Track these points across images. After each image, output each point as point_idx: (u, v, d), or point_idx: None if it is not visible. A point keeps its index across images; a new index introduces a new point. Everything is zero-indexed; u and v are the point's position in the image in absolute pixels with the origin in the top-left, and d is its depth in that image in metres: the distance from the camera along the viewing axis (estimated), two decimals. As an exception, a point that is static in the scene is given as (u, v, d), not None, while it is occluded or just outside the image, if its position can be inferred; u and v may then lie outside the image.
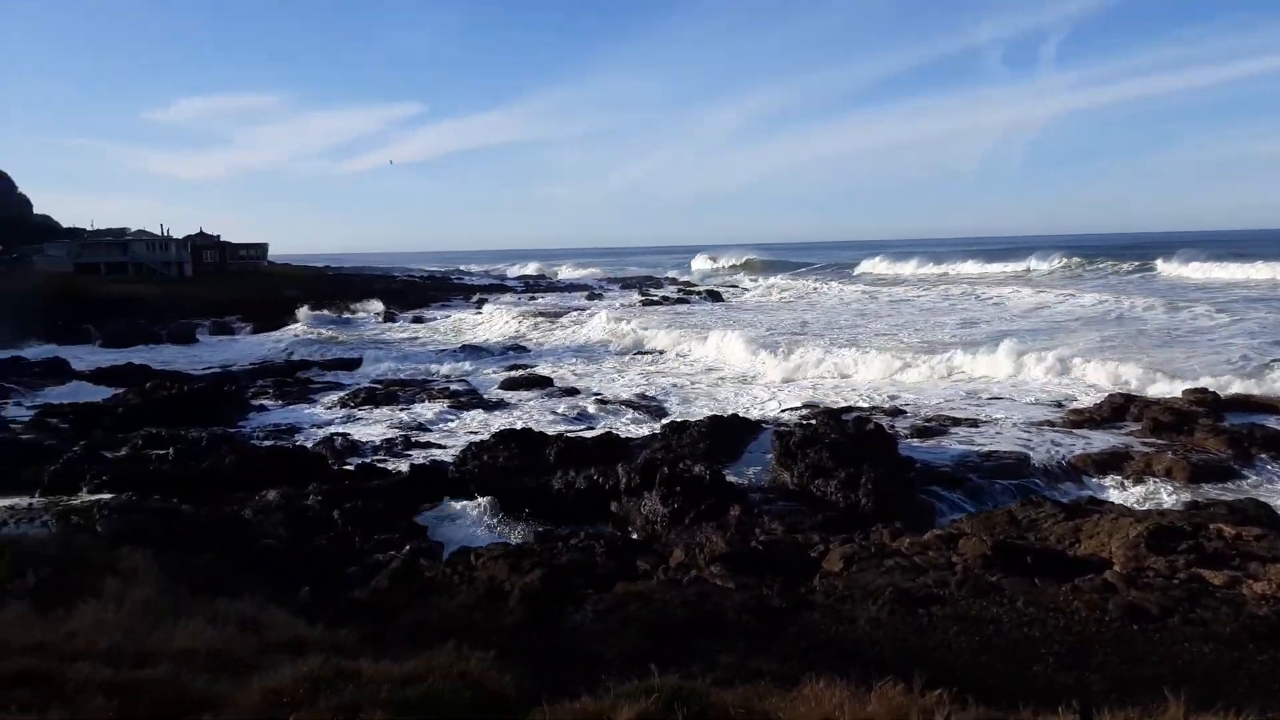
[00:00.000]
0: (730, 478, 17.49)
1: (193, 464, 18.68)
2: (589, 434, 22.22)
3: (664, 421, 23.15)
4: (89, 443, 21.22)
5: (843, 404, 25.29)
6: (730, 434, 20.96)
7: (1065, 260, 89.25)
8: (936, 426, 21.96)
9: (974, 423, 22.25)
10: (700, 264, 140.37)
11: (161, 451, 19.53)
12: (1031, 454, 18.97)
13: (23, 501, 16.85)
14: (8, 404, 29.08)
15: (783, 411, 25.01)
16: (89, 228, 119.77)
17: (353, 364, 38.88)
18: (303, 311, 61.70)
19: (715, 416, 22.08)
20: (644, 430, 22.98)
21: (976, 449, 19.64)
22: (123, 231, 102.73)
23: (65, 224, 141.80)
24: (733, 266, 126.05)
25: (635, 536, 14.48)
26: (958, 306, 55.98)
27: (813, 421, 21.51)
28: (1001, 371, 28.76)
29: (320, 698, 4.38)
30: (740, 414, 23.34)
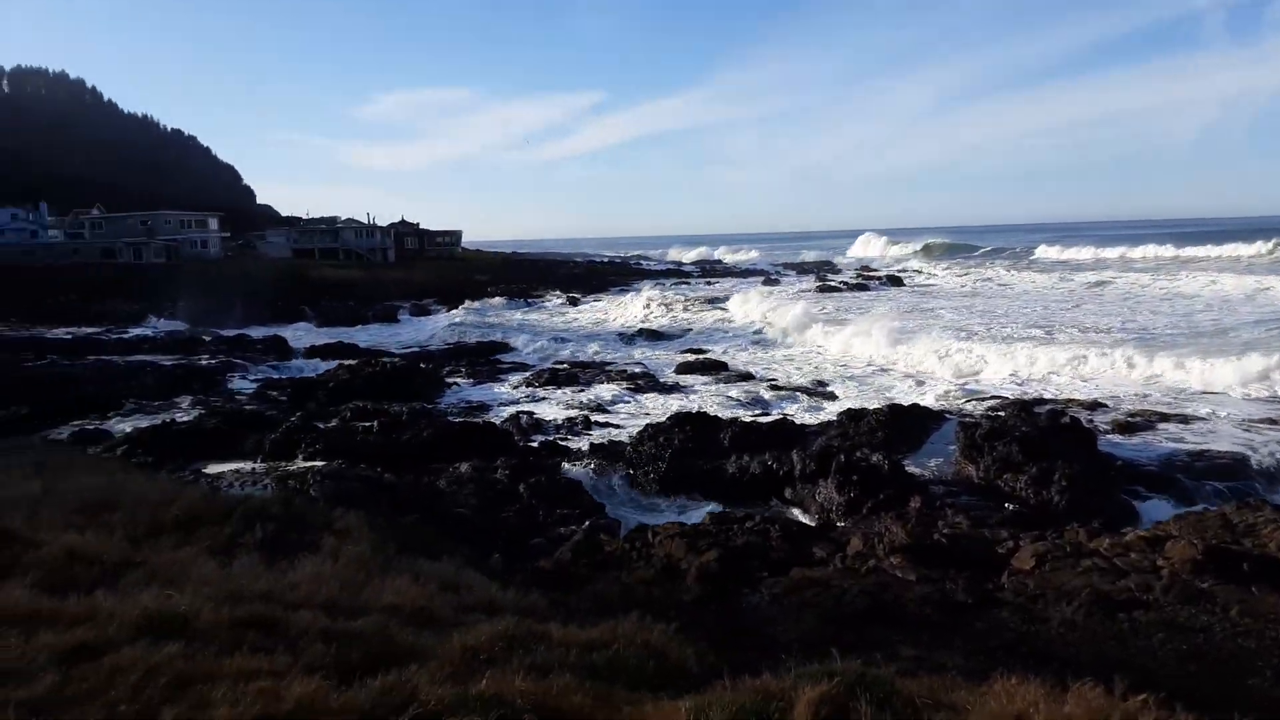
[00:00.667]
0: (910, 468, 17.00)
1: (394, 436, 20.04)
2: (763, 419, 22.15)
3: (840, 409, 22.68)
4: (304, 414, 23.23)
5: (1032, 396, 23.96)
6: (911, 423, 20.32)
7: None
8: (1141, 422, 20.41)
9: (1184, 419, 20.53)
10: (877, 248, 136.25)
11: (367, 424, 21.06)
12: (1252, 455, 17.30)
13: (246, 466, 18.70)
14: (234, 377, 32.20)
15: (967, 402, 23.97)
16: (305, 216, 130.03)
17: (531, 345, 40.51)
18: (496, 300, 64.79)
19: (895, 405, 21.45)
20: (819, 417, 22.64)
21: (1186, 448, 18.14)
22: (334, 220, 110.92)
23: (284, 213, 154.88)
24: (915, 252, 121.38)
25: (809, 523, 14.35)
26: (1147, 296, 51.35)
27: (1001, 413, 20.52)
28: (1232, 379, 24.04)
29: (514, 656, 4.65)
30: (920, 403, 22.58)
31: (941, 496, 15.27)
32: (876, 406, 21.37)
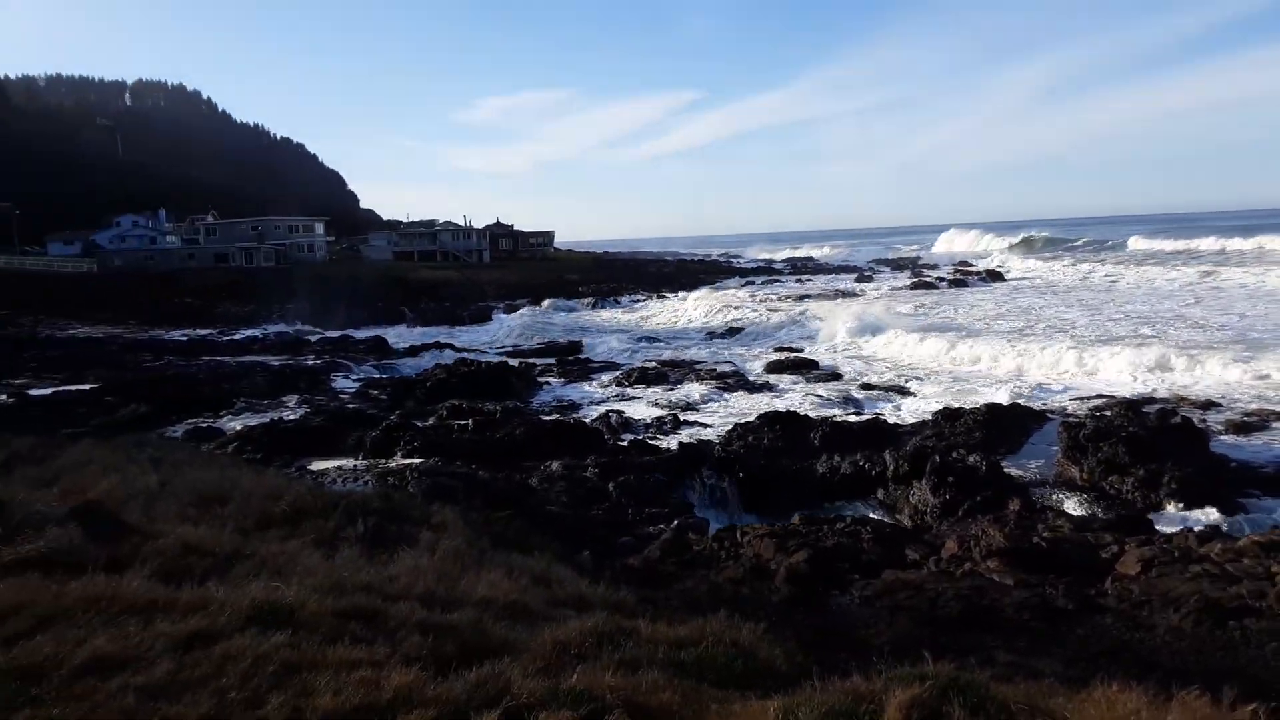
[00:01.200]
0: (1009, 470, 16.50)
1: (488, 434, 20.49)
2: (854, 419, 21.82)
3: (936, 407, 22.12)
4: (403, 412, 23.97)
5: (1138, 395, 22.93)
6: (1010, 424, 19.73)
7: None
8: (1258, 422, 19.33)
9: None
10: (965, 243, 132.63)
11: (462, 422, 21.58)
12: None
13: (348, 463, 19.38)
14: (337, 377, 33.39)
15: (1072, 401, 23.10)
16: (404, 219, 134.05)
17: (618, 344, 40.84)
18: (586, 298, 65.48)
19: (993, 404, 20.86)
20: (913, 416, 22.15)
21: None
22: (432, 223, 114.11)
23: (385, 216, 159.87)
24: (1012, 246, 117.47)
25: (904, 525, 14.07)
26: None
27: (1107, 413, 19.72)
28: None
29: (603, 651, 4.73)
30: (1022, 403, 21.88)
31: (1043, 499, 14.79)
32: (974, 406, 20.82)
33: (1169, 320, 37.68)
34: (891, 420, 21.54)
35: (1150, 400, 21.89)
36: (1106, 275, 66.75)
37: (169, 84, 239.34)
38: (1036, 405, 22.18)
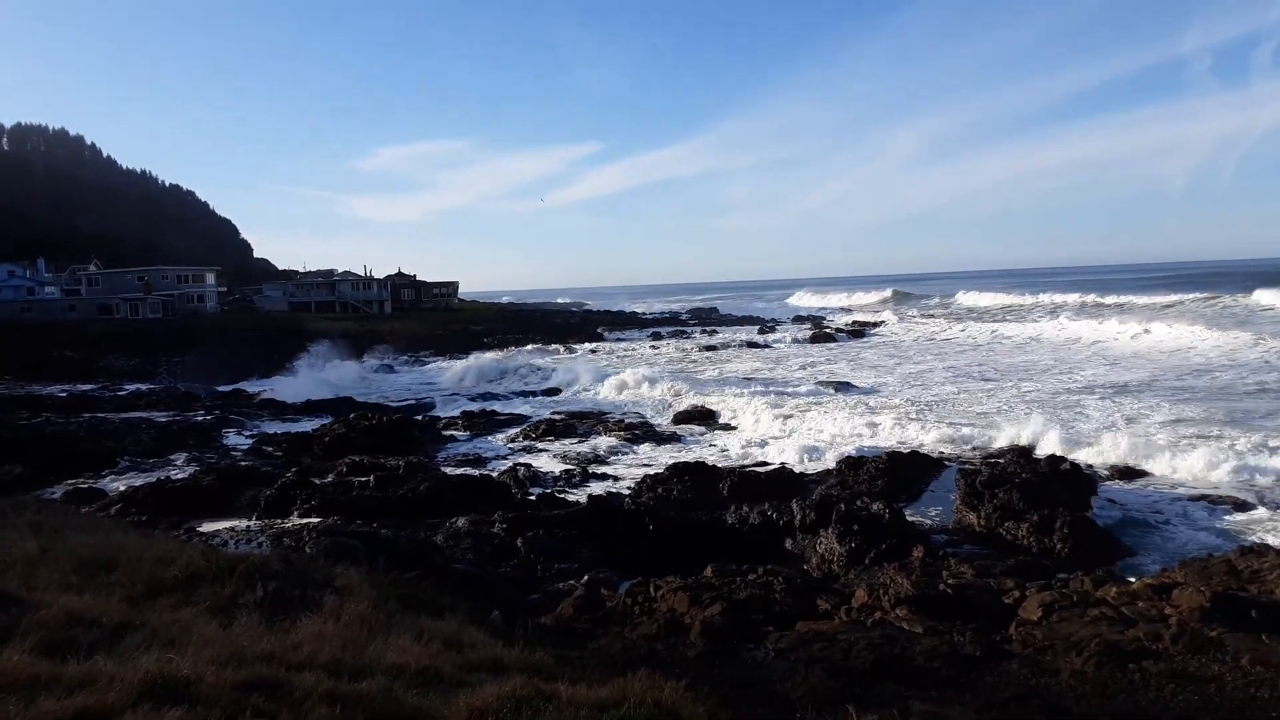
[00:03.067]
0: (911, 517, 16.93)
1: (391, 490, 19.93)
2: (762, 469, 22.09)
3: (837, 457, 22.59)
4: (299, 469, 23.12)
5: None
6: (909, 471, 20.30)
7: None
8: (1137, 468, 20.38)
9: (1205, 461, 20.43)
10: (855, 298, 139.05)
11: (363, 478, 20.95)
12: (1256, 498, 17.29)
13: (241, 523, 18.54)
14: (230, 433, 32.07)
15: (967, 450, 23.93)
16: (301, 269, 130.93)
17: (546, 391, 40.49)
18: (490, 351, 64.91)
19: (894, 452, 21.44)
20: (817, 466, 22.57)
21: (1186, 491, 18.13)
22: (330, 273, 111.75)
23: (281, 266, 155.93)
24: (882, 300, 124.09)
25: (812, 574, 14.22)
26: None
27: (1000, 460, 20.50)
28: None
29: (523, 717, 4.59)
30: (919, 450, 22.56)
31: (944, 545, 15.20)
32: (875, 454, 21.36)
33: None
34: (796, 469, 21.88)
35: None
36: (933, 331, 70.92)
37: (50, 128, 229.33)
38: (935, 453, 22.87)
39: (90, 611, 6.91)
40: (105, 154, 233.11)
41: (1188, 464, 19.77)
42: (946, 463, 21.59)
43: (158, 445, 28.11)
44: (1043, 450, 21.56)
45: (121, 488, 21.91)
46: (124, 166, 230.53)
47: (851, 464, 20.76)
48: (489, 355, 59.91)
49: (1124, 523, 16.43)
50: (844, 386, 38.03)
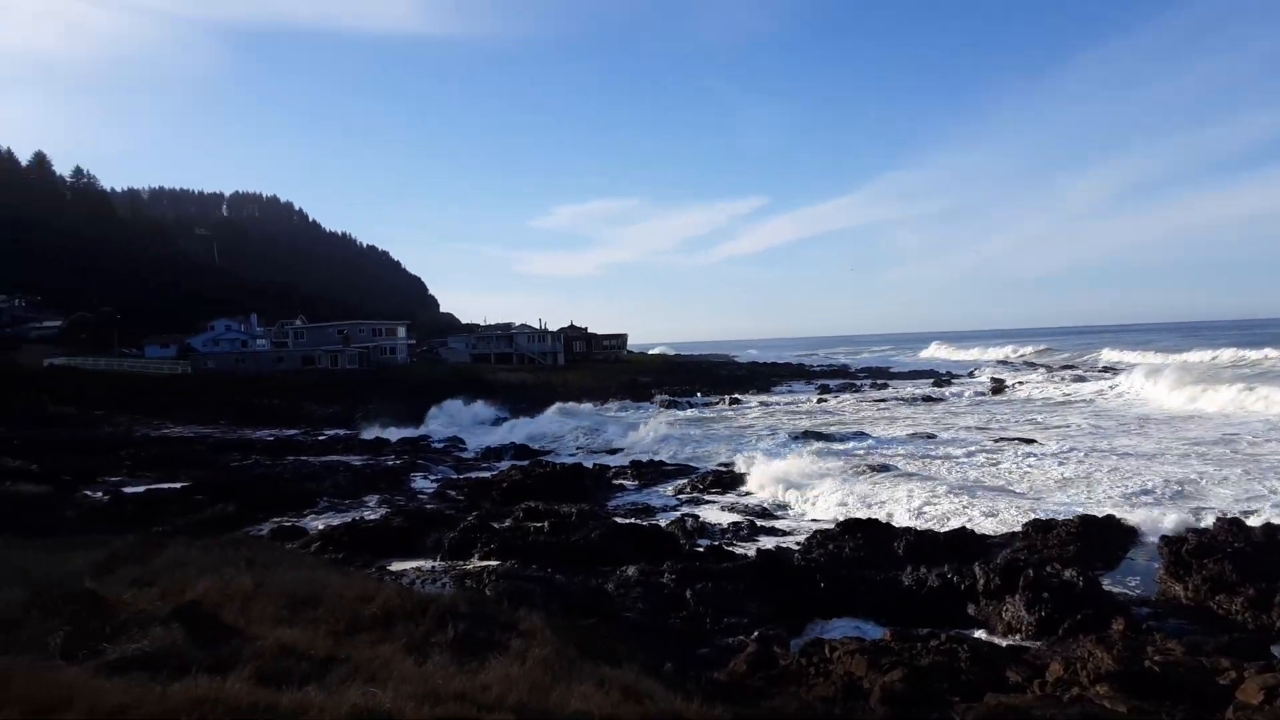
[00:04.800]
0: (1108, 586, 15.73)
1: (564, 536, 20.43)
2: (940, 528, 21.15)
3: (1027, 519, 21.31)
4: (479, 514, 24.11)
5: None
6: (1104, 536, 18.91)
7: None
8: None
9: None
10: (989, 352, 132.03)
11: (538, 524, 21.59)
12: None
13: (426, 564, 19.49)
14: (416, 477, 33.91)
15: (1164, 516, 22.01)
16: (482, 322, 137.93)
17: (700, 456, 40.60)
18: (658, 399, 65.79)
19: (1087, 516, 20.07)
20: (1001, 527, 21.37)
21: None
22: (508, 326, 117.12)
23: (464, 319, 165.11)
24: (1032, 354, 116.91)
25: (999, 643, 13.44)
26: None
27: (1208, 527, 18.76)
28: None
29: (704, 773, 4.61)
30: (1116, 515, 20.96)
31: (1146, 619, 14.02)
32: (1066, 518, 20.05)
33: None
34: (977, 530, 20.82)
35: (1253, 512, 20.74)
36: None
37: (263, 195, 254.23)
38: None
39: (300, 644, 7.49)
40: (311, 218, 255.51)
41: None
42: (1144, 529, 19.96)
43: (353, 487, 30.09)
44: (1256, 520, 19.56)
45: (320, 526, 23.53)
46: (327, 230, 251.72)
47: (1039, 526, 19.56)
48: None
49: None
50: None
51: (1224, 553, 15.16)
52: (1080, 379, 74.93)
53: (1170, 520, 20.78)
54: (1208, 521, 19.71)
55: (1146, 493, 24.62)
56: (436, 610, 8.34)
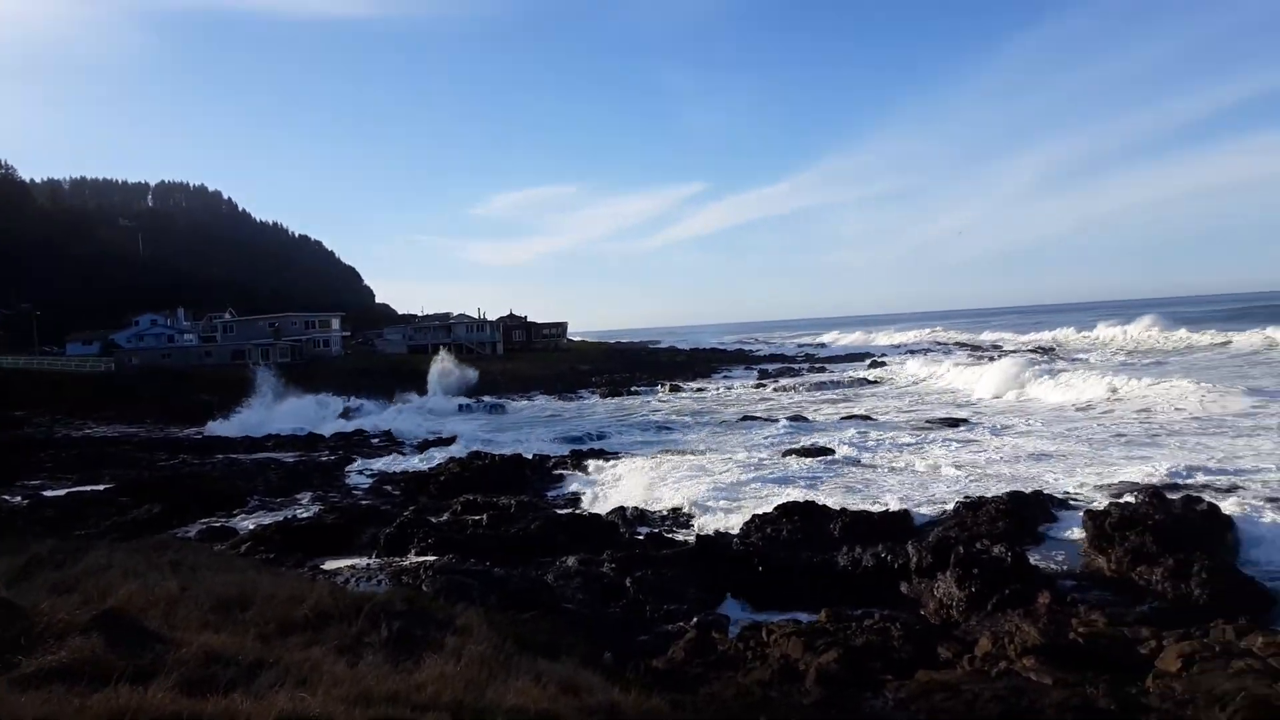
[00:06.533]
0: (1035, 561, 16.19)
1: (504, 529, 20.31)
2: (875, 508, 21.54)
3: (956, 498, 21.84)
4: (416, 508, 23.82)
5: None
6: (1032, 513, 19.47)
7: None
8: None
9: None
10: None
11: (477, 517, 21.42)
12: None
13: (361, 561, 19.18)
14: (351, 472, 33.33)
15: (1094, 489, 22.80)
16: (419, 313, 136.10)
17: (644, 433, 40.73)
18: (599, 388, 65.68)
19: (1016, 493, 20.63)
20: (934, 507, 21.85)
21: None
22: (446, 316, 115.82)
23: (401, 310, 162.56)
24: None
25: (930, 620, 13.75)
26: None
27: (1131, 500, 19.45)
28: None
29: (639, 764, 4.61)
30: (1044, 491, 21.61)
31: (1071, 591, 14.48)
32: (995, 494, 20.60)
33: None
34: (914, 510, 21.25)
35: (1174, 486, 21.57)
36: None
37: (191, 185, 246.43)
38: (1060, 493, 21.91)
39: (227, 649, 7.29)
40: (241, 208, 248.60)
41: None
42: (1071, 504, 20.62)
43: (285, 485, 29.47)
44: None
45: (251, 526, 23.01)
46: (258, 219, 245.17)
47: (970, 505, 20.05)
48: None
49: (1266, 566, 15.31)
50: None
51: (1145, 525, 15.71)
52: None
53: (1093, 493, 21.54)
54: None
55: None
56: (371, 609, 8.21)
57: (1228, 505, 18.55)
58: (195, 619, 8.58)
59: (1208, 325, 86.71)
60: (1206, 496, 18.94)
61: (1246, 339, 70.76)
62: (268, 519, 23.74)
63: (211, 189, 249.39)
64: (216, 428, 48.15)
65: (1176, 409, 36.26)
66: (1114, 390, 42.30)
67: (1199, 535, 15.80)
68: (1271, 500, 19.70)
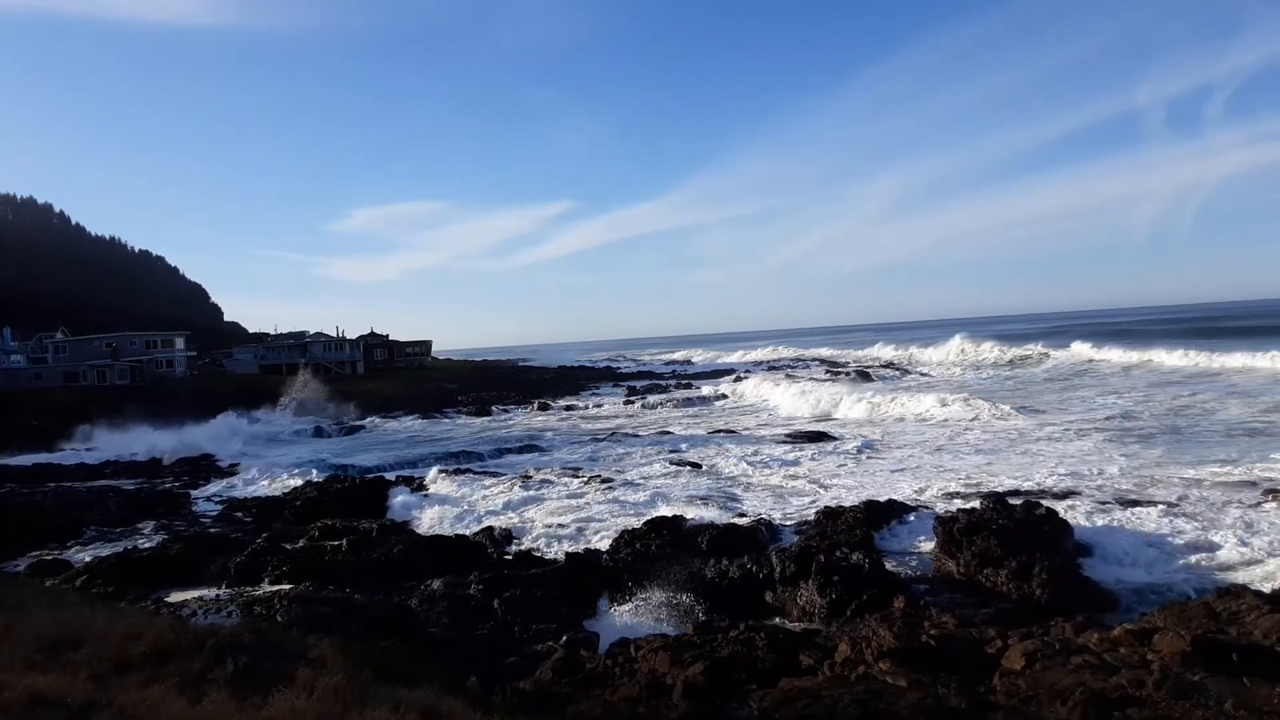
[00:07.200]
0: (890, 567, 16.86)
1: (365, 554, 19.58)
2: (741, 520, 21.96)
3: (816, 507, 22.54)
4: (270, 535, 22.69)
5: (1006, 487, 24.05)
6: (886, 520, 20.30)
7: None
8: (1117, 509, 20.49)
9: (1169, 503, 20.55)
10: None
11: (336, 542, 20.58)
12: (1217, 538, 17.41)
13: (210, 592, 18.10)
14: (199, 499, 31.46)
15: (940, 496, 23.98)
16: (272, 331, 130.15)
17: (524, 450, 40.21)
18: (466, 408, 64.44)
19: (871, 501, 21.46)
20: (795, 517, 22.48)
21: (1165, 533, 18.21)
22: (302, 334, 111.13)
23: (252, 329, 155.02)
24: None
25: (794, 627, 14.09)
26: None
27: (976, 506, 20.54)
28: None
29: (502, 790, 4.47)
30: (897, 499, 22.56)
31: (924, 594, 15.13)
32: (853, 504, 21.35)
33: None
34: (776, 521, 21.78)
35: (1015, 492, 22.93)
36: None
37: (18, 197, 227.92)
38: (909, 499, 22.91)
39: (55, 691, 6.69)
40: (74, 221, 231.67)
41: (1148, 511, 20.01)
42: (924, 509, 21.60)
43: (125, 514, 27.52)
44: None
45: (88, 558, 21.39)
46: (92, 233, 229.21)
47: (830, 514, 20.71)
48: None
49: (1100, 566, 16.46)
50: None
51: (990, 529, 16.60)
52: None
53: (939, 500, 22.66)
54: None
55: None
56: (215, 643, 7.70)
57: (1065, 509, 19.93)
58: (20, 660, 7.85)
59: (1032, 341, 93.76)
60: (1045, 502, 20.23)
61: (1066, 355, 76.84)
62: (106, 550, 22.14)
63: (41, 201, 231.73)
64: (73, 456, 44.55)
65: (999, 420, 39.29)
66: (944, 404, 45.03)
67: (1040, 538, 16.84)
68: (1102, 505, 21.15)
